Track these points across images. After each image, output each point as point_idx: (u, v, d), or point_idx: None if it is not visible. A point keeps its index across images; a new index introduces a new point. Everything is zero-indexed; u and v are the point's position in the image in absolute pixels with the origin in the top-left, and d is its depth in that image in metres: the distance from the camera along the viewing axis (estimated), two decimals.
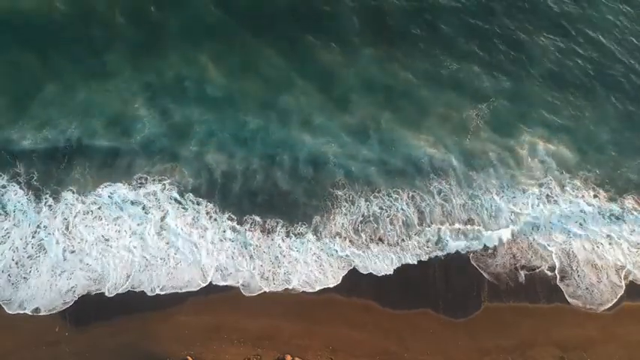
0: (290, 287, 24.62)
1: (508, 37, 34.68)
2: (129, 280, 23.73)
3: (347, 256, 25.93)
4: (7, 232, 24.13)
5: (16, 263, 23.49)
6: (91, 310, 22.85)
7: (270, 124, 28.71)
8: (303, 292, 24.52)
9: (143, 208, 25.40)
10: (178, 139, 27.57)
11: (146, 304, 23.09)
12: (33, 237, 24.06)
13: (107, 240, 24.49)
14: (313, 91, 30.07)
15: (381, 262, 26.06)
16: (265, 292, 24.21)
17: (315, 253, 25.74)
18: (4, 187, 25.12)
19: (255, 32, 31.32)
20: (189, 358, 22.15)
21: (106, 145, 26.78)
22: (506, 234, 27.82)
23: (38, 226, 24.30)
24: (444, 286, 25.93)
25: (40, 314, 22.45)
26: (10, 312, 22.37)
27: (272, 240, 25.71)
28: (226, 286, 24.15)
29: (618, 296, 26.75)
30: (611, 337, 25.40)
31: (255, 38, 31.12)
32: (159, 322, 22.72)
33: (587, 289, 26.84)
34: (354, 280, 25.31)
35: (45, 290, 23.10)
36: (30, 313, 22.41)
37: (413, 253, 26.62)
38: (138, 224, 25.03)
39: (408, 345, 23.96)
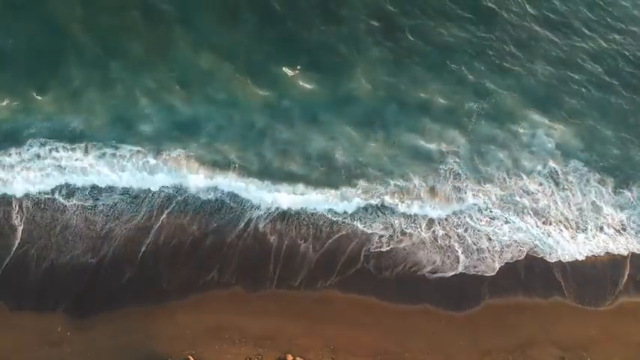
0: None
1: (512, 27, 34.03)
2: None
3: None
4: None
5: None
6: (93, 309, 22.75)
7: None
8: (304, 289, 24.52)
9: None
10: None
11: (148, 305, 23.04)
12: None
13: None
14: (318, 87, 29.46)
15: None
16: (267, 291, 24.20)
17: None
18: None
19: None
20: (190, 357, 22.22)
21: None
22: None
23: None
24: (445, 282, 25.95)
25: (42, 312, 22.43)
26: None
27: None
28: (227, 284, 24.08)
29: None
30: (611, 335, 25.62)
31: None
32: (160, 322, 22.67)
33: None
34: (355, 278, 25.30)
35: None
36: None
37: None
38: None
39: (408, 344, 24.08)
